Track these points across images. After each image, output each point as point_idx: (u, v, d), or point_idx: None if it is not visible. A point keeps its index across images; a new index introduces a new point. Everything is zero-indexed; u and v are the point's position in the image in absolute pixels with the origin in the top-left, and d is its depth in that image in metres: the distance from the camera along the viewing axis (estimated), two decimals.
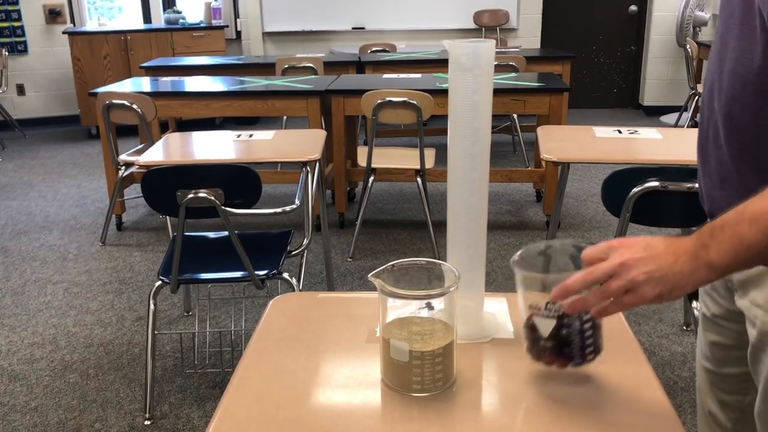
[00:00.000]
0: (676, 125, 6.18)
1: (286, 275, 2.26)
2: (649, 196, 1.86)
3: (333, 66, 5.05)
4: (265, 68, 5.05)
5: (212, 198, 1.98)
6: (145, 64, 5.19)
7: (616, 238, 0.89)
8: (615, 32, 6.92)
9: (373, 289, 0.98)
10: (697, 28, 6.51)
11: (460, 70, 1.02)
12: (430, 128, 5.37)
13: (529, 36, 6.88)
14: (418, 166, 3.50)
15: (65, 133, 6.60)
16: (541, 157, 2.39)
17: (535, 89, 3.76)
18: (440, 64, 5.00)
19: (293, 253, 2.40)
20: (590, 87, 7.04)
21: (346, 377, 1.02)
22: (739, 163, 1.02)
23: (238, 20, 7.05)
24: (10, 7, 6.54)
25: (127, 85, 4.11)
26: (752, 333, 1.06)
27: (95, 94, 3.67)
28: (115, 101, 3.54)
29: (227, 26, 6.80)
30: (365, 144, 3.60)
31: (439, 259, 1.02)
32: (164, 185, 2.00)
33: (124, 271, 3.42)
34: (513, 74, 4.39)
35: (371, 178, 3.55)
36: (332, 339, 1.13)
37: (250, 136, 2.77)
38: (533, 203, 4.32)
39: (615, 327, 1.15)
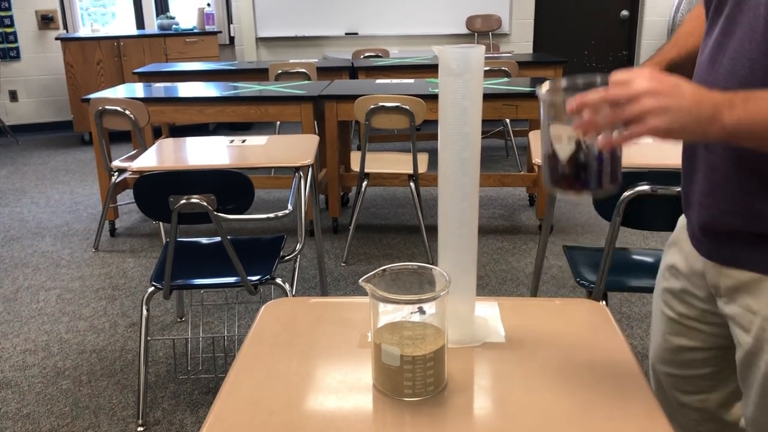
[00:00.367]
0: None
1: (279, 280, 2.26)
2: (640, 200, 1.87)
3: (326, 71, 5.06)
4: (259, 74, 5.05)
5: (205, 204, 1.98)
6: (138, 70, 5.18)
7: (648, 69, 0.86)
8: (607, 37, 6.96)
9: (366, 293, 0.98)
10: None
11: (449, 76, 1.03)
12: (423, 133, 5.38)
13: (521, 41, 6.91)
14: (411, 171, 3.50)
15: (58, 139, 6.59)
16: (534, 161, 2.40)
17: (528, 94, 3.77)
18: (433, 69, 5.02)
19: (286, 258, 2.40)
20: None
21: (338, 382, 1.02)
22: (737, 167, 1.01)
23: (231, 26, 7.06)
24: (2, 13, 6.53)
25: (119, 91, 4.11)
26: (746, 339, 1.06)
27: (88, 100, 3.67)
28: (107, 107, 3.53)
29: (220, 32, 6.81)
30: (359, 149, 3.60)
31: (432, 264, 1.03)
32: (156, 191, 2.00)
33: (117, 277, 3.41)
34: (505, 79, 4.41)
35: (364, 183, 3.56)
36: (324, 344, 1.13)
37: (243, 141, 2.77)
38: (526, 207, 4.33)
39: (606, 329, 1.15)
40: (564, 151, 0.93)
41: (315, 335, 1.16)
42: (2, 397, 2.41)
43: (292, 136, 3.01)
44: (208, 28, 6.63)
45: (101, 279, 3.39)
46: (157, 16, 6.96)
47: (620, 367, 1.05)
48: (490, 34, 6.76)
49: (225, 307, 3.02)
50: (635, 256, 2.32)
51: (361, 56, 5.89)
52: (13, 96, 6.75)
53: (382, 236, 3.87)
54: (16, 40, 6.63)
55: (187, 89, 4.15)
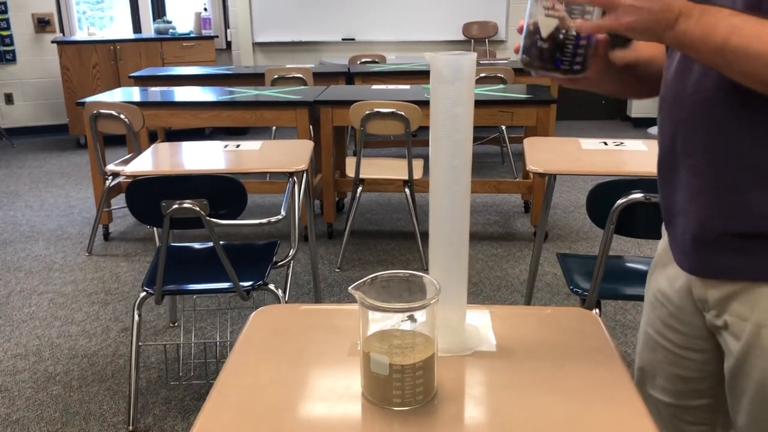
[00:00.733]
0: None
1: (271, 286, 2.25)
2: (634, 208, 1.87)
3: (322, 77, 5.06)
4: (255, 78, 5.05)
5: (197, 209, 1.97)
6: (134, 74, 5.18)
7: None
8: None
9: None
10: None
11: (441, 83, 1.02)
12: (418, 139, 5.36)
13: None
14: (406, 177, 3.50)
15: (54, 142, 6.58)
16: (528, 168, 2.40)
17: (523, 101, 3.78)
18: (429, 75, 5.02)
19: (279, 264, 2.39)
20: (578, 99, 7.09)
21: (326, 390, 1.01)
22: (722, 166, 1.00)
23: (228, 30, 7.07)
24: None
25: (115, 95, 4.10)
26: (735, 347, 1.05)
27: (83, 104, 3.66)
28: (102, 111, 3.53)
29: (217, 36, 6.81)
30: (355, 154, 3.60)
31: (427, 270, 1.02)
32: (149, 195, 1.99)
33: (110, 281, 3.40)
34: (501, 86, 4.41)
35: (359, 189, 3.55)
36: (314, 351, 1.12)
37: (238, 146, 2.77)
38: (521, 214, 4.33)
39: (598, 338, 1.15)
40: (546, 26, 0.99)
41: (305, 342, 1.15)
42: None
43: (286, 141, 3.01)
44: (204, 32, 6.63)
45: (94, 283, 3.37)
46: (154, 20, 6.96)
47: (611, 377, 1.04)
48: (487, 40, 6.78)
49: (218, 312, 3.01)
50: (629, 264, 2.32)
51: (358, 62, 5.90)
52: (9, 99, 6.74)
53: (377, 242, 3.86)
54: (12, 43, 6.62)
55: (182, 94, 4.15)
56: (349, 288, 0.97)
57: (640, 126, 6.84)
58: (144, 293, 2.18)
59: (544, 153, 2.60)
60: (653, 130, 6.68)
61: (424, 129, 3.90)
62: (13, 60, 6.66)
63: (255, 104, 3.85)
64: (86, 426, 2.26)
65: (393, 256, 3.66)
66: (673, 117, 1.06)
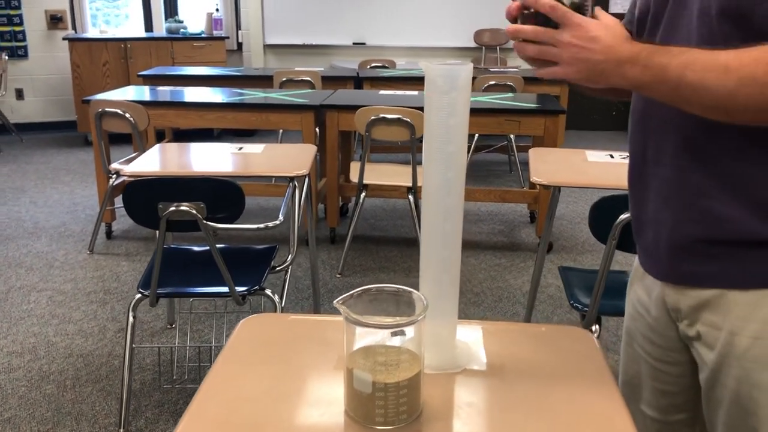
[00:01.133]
0: None
1: (268, 291, 2.22)
2: None
3: (331, 80, 5.04)
4: (264, 80, 5.04)
5: (194, 211, 1.95)
6: (142, 73, 5.18)
7: (589, 22, 0.94)
8: None
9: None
10: None
11: (435, 93, 0.99)
12: None
13: None
14: (410, 184, 3.47)
15: (62, 138, 6.59)
16: (531, 179, 2.36)
17: (531, 110, 3.74)
18: None
19: (277, 269, 2.37)
20: (589, 109, 7.04)
21: (309, 406, 0.98)
22: (691, 172, 1.00)
23: (239, 32, 7.07)
24: (11, 12, 6.55)
25: (121, 93, 4.10)
26: (710, 357, 1.04)
27: (89, 101, 3.65)
28: (107, 109, 3.52)
29: (228, 37, 6.81)
30: (360, 159, 3.58)
31: None
32: (146, 197, 1.97)
33: (110, 280, 3.38)
34: (510, 94, 4.38)
35: (363, 194, 3.53)
36: (299, 364, 1.09)
37: (240, 149, 2.75)
38: (527, 224, 4.29)
39: (592, 358, 1.11)
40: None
41: (291, 354, 1.12)
42: None
43: (289, 145, 2.99)
44: (216, 33, 6.63)
45: (94, 282, 3.36)
46: (166, 19, 6.97)
47: (602, 400, 1.01)
48: (498, 48, 6.74)
49: (215, 315, 2.99)
50: None
51: (368, 66, 5.88)
52: (20, 94, 6.77)
53: (379, 248, 3.83)
54: (24, 39, 6.65)
55: (189, 94, 4.14)
56: (334, 302, 0.94)
57: None
58: (139, 295, 2.16)
59: (549, 164, 2.56)
60: None
61: None
62: (25, 56, 6.69)
63: (261, 107, 3.84)
64: (77, 427, 2.23)
65: (395, 263, 3.63)
66: (644, 126, 1.08)
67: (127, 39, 6.28)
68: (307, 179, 2.68)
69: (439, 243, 1.07)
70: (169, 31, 6.62)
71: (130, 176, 2.31)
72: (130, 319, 2.20)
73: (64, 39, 6.28)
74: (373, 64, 5.90)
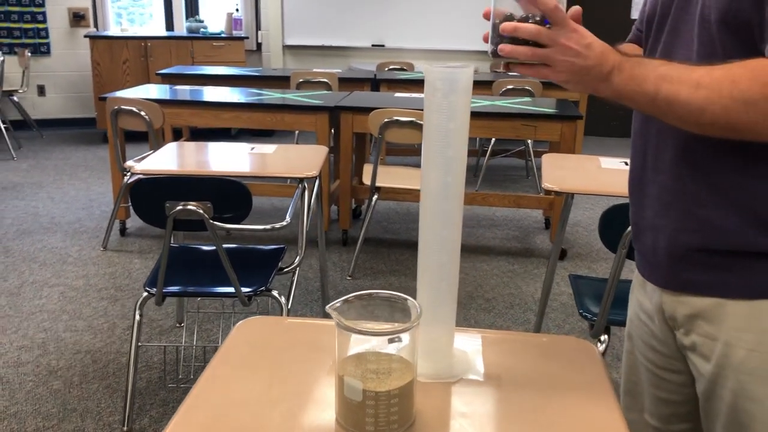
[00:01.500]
0: None
1: (275, 293, 2.21)
2: None
3: (348, 82, 5.03)
4: (281, 81, 5.04)
5: (200, 211, 1.95)
6: (161, 71, 5.21)
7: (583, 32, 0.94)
8: None
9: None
10: None
11: (435, 96, 0.97)
12: None
13: None
14: None
15: (81, 135, 6.65)
16: (543, 185, 2.33)
17: (547, 115, 3.70)
18: None
19: (285, 270, 2.36)
20: (609, 114, 6.97)
21: (299, 412, 0.97)
22: (689, 181, 1.00)
23: (259, 32, 7.09)
24: (35, 9, 6.63)
25: (138, 92, 4.12)
26: (707, 368, 1.03)
27: (105, 99, 3.67)
28: (123, 107, 3.54)
29: (247, 38, 6.84)
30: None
31: None
32: (154, 195, 1.97)
33: (121, 277, 3.39)
34: (527, 99, 4.34)
35: (375, 197, 3.51)
36: (293, 369, 1.07)
37: (252, 149, 2.74)
38: (541, 230, 4.24)
39: (593, 370, 1.08)
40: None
41: (284, 359, 1.10)
42: None
43: (300, 146, 2.98)
44: (235, 33, 6.66)
45: (105, 278, 3.37)
46: (187, 18, 7.01)
47: (601, 413, 0.98)
48: None
49: (223, 315, 2.98)
50: None
51: (386, 68, 5.87)
52: (42, 91, 6.84)
53: (391, 251, 3.81)
54: (47, 36, 6.73)
55: (204, 93, 4.15)
56: (327, 307, 0.93)
57: None
58: (146, 294, 2.16)
59: (562, 170, 2.53)
60: None
61: None
62: (48, 53, 6.76)
63: (276, 107, 3.84)
64: (82, 424, 2.24)
65: (405, 266, 3.61)
66: (645, 133, 1.08)
67: (147, 37, 6.33)
68: (317, 180, 2.67)
69: (437, 249, 1.05)
70: (189, 30, 6.66)
71: (140, 174, 2.31)
72: (137, 317, 2.20)
73: (85, 36, 6.34)
74: (390, 67, 5.89)
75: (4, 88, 6.06)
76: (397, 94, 4.43)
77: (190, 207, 1.95)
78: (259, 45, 7.13)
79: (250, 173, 2.44)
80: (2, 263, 3.53)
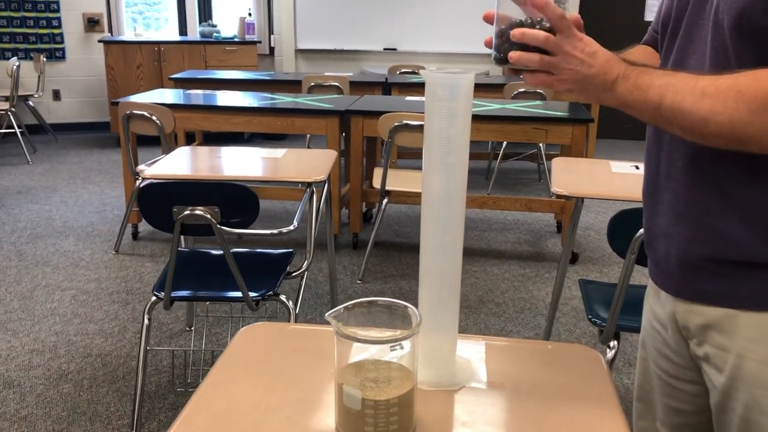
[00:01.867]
0: None
1: (283, 297, 2.21)
2: None
3: (360, 86, 5.03)
4: (293, 85, 5.06)
5: (208, 216, 1.95)
6: (174, 76, 5.23)
7: (587, 40, 0.94)
8: None
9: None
10: None
11: (435, 102, 0.96)
12: None
13: None
14: None
15: (96, 139, 6.71)
16: (552, 189, 2.31)
17: (558, 119, 3.68)
18: None
19: (293, 274, 2.36)
20: (622, 118, 6.90)
21: (300, 419, 0.96)
22: (701, 191, 0.99)
23: (272, 36, 7.11)
24: (51, 15, 6.70)
25: (150, 96, 4.14)
26: (719, 380, 1.01)
27: (117, 103, 3.70)
28: (135, 111, 3.56)
29: (260, 42, 6.86)
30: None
31: None
32: (162, 200, 1.98)
33: (133, 281, 3.41)
34: (539, 102, 4.32)
35: (385, 201, 3.51)
36: (294, 376, 1.07)
37: (262, 153, 2.74)
38: (553, 234, 4.22)
39: (598, 379, 1.07)
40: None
41: (286, 366, 1.10)
42: (3, 397, 2.41)
43: (309, 150, 2.98)
44: (248, 37, 6.69)
45: (117, 282, 3.39)
46: (200, 23, 7.05)
47: (606, 421, 0.96)
48: None
49: (232, 319, 2.99)
50: None
51: (398, 72, 5.86)
52: (57, 95, 6.91)
53: (401, 255, 3.80)
54: (62, 41, 6.79)
55: (216, 97, 4.16)
56: (326, 315, 0.92)
57: None
58: (154, 298, 2.17)
59: (572, 174, 2.51)
60: None
61: None
62: (63, 58, 6.83)
63: (287, 111, 3.84)
64: (91, 427, 2.25)
65: (416, 270, 3.59)
66: (658, 139, 1.07)
67: (160, 42, 6.37)
68: (327, 184, 2.67)
69: (438, 255, 1.04)
70: (202, 34, 6.70)
71: (149, 178, 2.32)
72: (145, 321, 2.21)
73: (99, 41, 6.39)
74: (402, 70, 5.88)
75: (20, 93, 6.12)
76: (408, 98, 4.42)
77: (197, 212, 1.96)
78: (271, 49, 7.16)
79: (258, 177, 2.44)
80: (15, 267, 3.56)
